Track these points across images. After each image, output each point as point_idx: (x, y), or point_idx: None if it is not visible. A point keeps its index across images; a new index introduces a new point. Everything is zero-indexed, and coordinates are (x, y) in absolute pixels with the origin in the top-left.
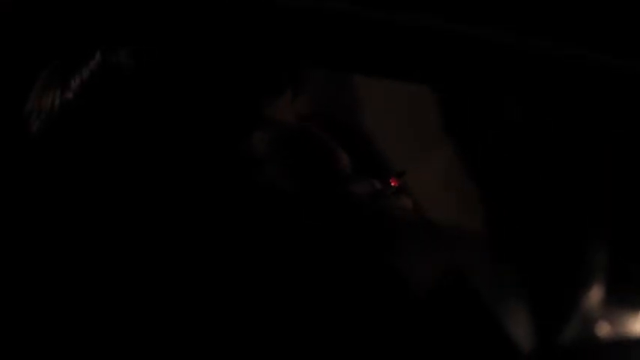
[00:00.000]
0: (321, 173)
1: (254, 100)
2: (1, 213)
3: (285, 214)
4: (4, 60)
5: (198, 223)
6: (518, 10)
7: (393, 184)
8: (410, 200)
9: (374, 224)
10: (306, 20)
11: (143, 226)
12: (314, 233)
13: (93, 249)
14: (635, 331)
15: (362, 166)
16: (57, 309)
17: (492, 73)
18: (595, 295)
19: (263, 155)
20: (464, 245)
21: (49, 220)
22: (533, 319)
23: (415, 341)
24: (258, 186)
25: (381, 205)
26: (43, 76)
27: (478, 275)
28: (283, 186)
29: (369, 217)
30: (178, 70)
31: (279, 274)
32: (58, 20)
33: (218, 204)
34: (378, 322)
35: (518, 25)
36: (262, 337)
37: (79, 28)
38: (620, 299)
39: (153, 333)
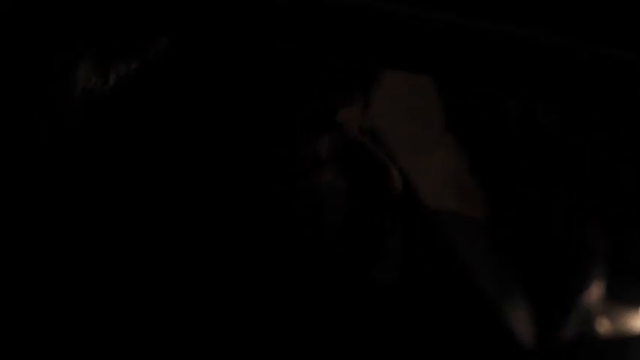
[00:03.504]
0: (375, 189)
1: (327, 105)
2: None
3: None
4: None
5: (252, 215)
6: (526, 5)
7: None
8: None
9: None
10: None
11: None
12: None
13: (150, 237)
14: (635, 327)
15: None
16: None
17: (495, 69)
18: (594, 290)
19: (324, 159)
20: (464, 240)
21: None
22: (533, 314)
23: (415, 337)
24: (314, 187)
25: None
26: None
27: (478, 270)
28: (339, 196)
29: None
30: (254, 64)
31: (318, 273)
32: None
33: (272, 199)
34: (378, 318)
35: (524, 20)
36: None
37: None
38: (620, 294)
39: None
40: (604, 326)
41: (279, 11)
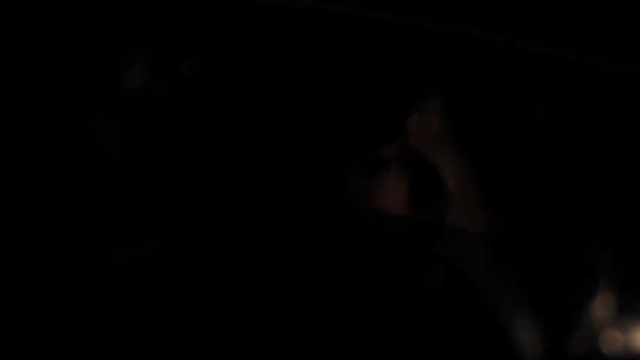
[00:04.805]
0: (432, 191)
1: (401, 110)
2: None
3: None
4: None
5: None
6: (521, 13)
7: None
8: None
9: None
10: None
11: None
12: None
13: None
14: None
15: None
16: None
17: (496, 74)
18: (601, 303)
19: (390, 160)
20: (469, 251)
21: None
22: (539, 328)
23: (419, 349)
24: (380, 185)
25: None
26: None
27: (483, 282)
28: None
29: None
30: (334, 72)
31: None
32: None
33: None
34: (381, 322)
35: (521, 27)
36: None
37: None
38: (628, 308)
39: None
40: (611, 340)
41: (280, 12)
